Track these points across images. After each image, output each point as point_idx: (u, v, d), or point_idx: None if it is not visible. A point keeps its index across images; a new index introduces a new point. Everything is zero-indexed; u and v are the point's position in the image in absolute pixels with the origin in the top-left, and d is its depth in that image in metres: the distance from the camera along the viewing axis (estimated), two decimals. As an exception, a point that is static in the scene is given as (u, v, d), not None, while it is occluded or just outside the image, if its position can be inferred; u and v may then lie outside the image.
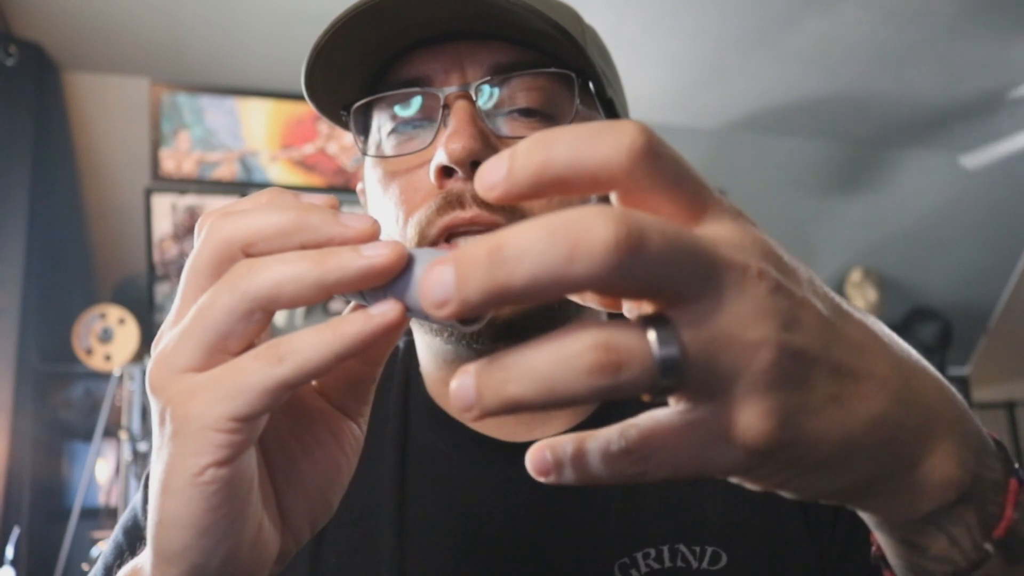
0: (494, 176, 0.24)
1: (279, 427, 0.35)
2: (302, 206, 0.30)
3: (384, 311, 0.28)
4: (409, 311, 0.29)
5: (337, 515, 0.38)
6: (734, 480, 0.26)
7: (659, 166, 0.23)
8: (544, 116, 0.54)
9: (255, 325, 0.29)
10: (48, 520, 2.20)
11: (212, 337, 0.29)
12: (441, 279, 0.22)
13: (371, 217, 0.30)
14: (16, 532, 1.98)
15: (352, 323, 0.28)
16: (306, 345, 0.28)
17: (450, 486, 0.57)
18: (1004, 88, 2.79)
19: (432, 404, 0.60)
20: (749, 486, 0.27)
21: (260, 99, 2.66)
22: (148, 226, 2.57)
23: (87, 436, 2.27)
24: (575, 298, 0.30)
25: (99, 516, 2.26)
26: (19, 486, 2.10)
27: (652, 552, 0.53)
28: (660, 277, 0.22)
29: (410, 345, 0.64)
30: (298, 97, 2.76)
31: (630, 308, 0.28)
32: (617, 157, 0.23)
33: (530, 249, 0.21)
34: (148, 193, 2.57)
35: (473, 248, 0.22)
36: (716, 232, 0.24)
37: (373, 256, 0.28)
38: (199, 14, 2.23)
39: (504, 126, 0.53)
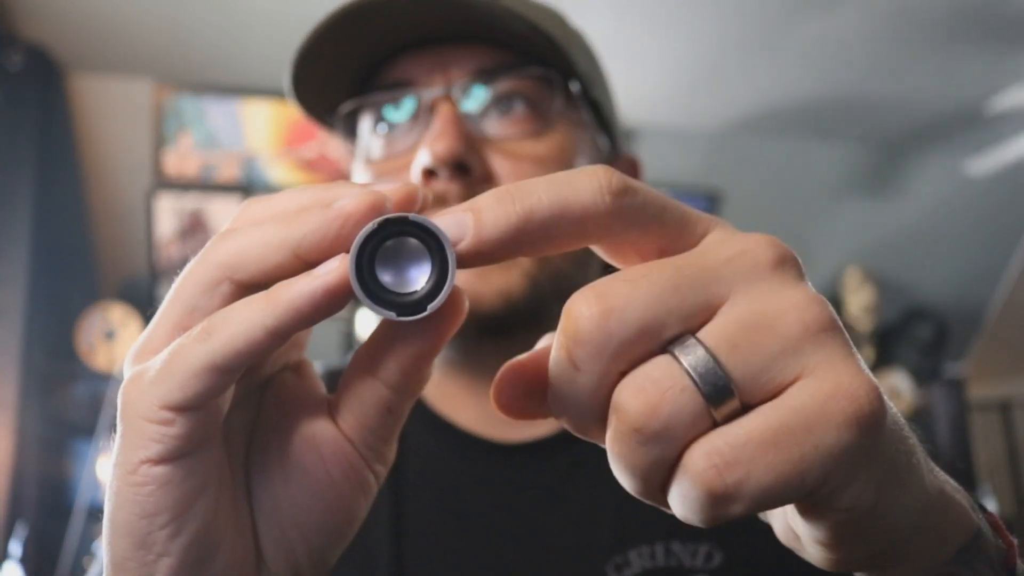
0: (456, 229, 0.23)
1: (268, 447, 0.30)
2: (287, 214, 0.26)
3: (327, 270, 0.23)
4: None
5: None
6: (835, 506, 0.22)
7: (640, 200, 0.23)
8: (529, 108, 0.54)
9: (219, 299, 0.25)
10: (53, 517, 2.21)
11: (178, 313, 0.26)
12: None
13: (379, 185, 0.26)
14: (23, 530, 2.00)
15: (289, 286, 0.24)
16: (236, 317, 0.24)
17: (445, 487, 0.56)
18: (1001, 92, 2.81)
19: (424, 406, 0.60)
20: (835, 516, 0.22)
21: (262, 101, 2.67)
22: (149, 227, 2.59)
23: (92, 434, 2.29)
24: None
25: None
26: (24, 483, 2.11)
27: (646, 550, 0.52)
28: (661, 319, 0.21)
29: None
30: (299, 98, 2.77)
31: None
32: (600, 197, 0.23)
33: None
34: (150, 194, 2.59)
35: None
36: (711, 241, 0.24)
37: (340, 206, 0.24)
38: (201, 16, 2.25)
39: (488, 127, 0.54)
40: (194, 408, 0.24)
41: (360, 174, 0.58)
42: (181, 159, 2.65)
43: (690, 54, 2.59)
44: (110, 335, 2.35)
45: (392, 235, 0.23)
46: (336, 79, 0.56)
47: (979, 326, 3.74)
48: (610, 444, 0.22)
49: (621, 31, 2.43)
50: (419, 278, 0.24)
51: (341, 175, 2.80)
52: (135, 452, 0.24)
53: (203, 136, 2.66)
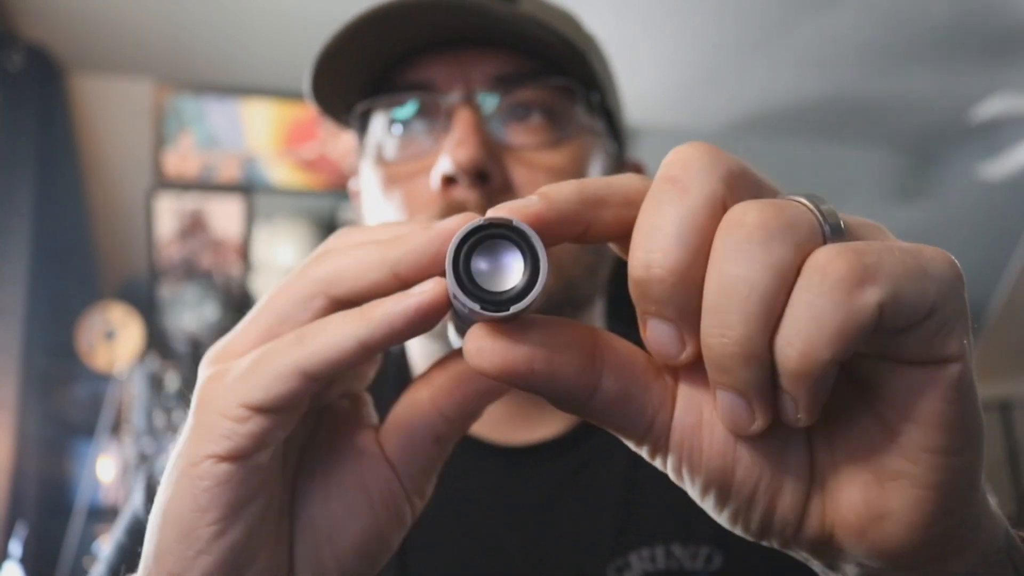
0: (527, 202, 0.23)
1: (314, 465, 0.30)
2: (384, 243, 0.27)
3: (422, 289, 0.25)
4: (456, 299, 0.24)
5: None
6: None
7: None
8: (547, 117, 0.54)
9: (311, 312, 0.26)
10: (53, 517, 2.22)
11: (268, 323, 0.27)
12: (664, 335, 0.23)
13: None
14: (23, 530, 2.00)
15: (384, 303, 0.25)
16: (330, 328, 0.25)
17: (448, 489, 0.55)
18: (998, 93, 2.81)
19: None
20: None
21: (262, 102, 2.68)
22: (149, 227, 2.59)
23: (92, 434, 2.29)
24: None
25: (104, 514, 2.27)
26: (24, 483, 2.12)
27: (646, 552, 0.52)
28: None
29: (403, 349, 0.63)
30: (301, 96, 2.78)
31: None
32: (635, 181, 0.24)
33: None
34: (150, 194, 2.59)
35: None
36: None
37: (442, 225, 0.25)
38: (201, 16, 2.25)
39: (507, 135, 0.53)
40: (273, 411, 0.25)
41: (370, 173, 0.57)
42: (181, 159, 2.65)
43: (690, 54, 2.59)
44: (110, 335, 2.35)
45: (486, 239, 0.24)
46: (354, 79, 0.56)
47: (979, 326, 3.74)
48: (722, 264, 0.21)
49: (621, 31, 2.43)
50: (504, 278, 0.24)
51: (341, 175, 2.81)
52: (202, 446, 0.25)
53: (203, 136, 2.67)
